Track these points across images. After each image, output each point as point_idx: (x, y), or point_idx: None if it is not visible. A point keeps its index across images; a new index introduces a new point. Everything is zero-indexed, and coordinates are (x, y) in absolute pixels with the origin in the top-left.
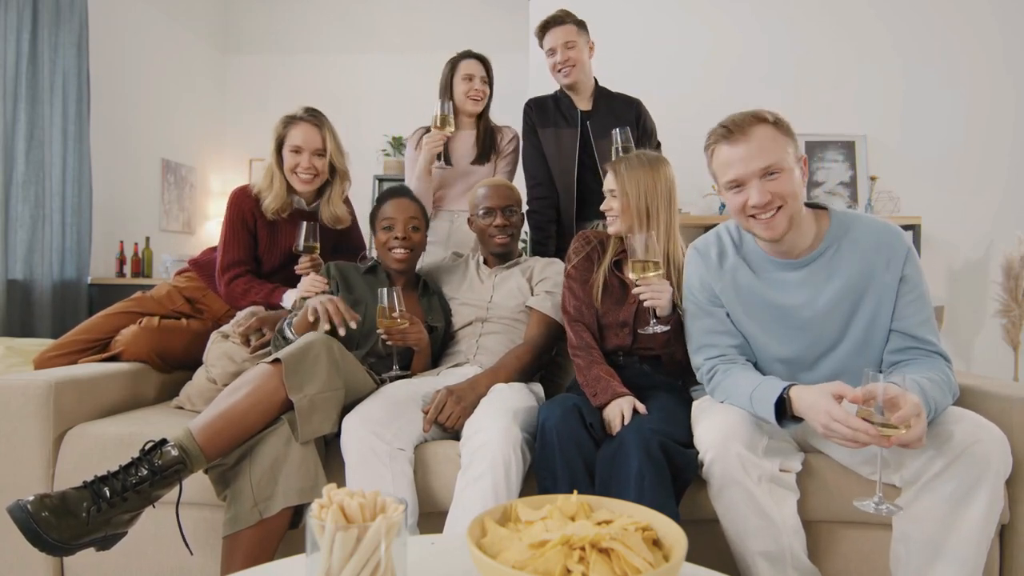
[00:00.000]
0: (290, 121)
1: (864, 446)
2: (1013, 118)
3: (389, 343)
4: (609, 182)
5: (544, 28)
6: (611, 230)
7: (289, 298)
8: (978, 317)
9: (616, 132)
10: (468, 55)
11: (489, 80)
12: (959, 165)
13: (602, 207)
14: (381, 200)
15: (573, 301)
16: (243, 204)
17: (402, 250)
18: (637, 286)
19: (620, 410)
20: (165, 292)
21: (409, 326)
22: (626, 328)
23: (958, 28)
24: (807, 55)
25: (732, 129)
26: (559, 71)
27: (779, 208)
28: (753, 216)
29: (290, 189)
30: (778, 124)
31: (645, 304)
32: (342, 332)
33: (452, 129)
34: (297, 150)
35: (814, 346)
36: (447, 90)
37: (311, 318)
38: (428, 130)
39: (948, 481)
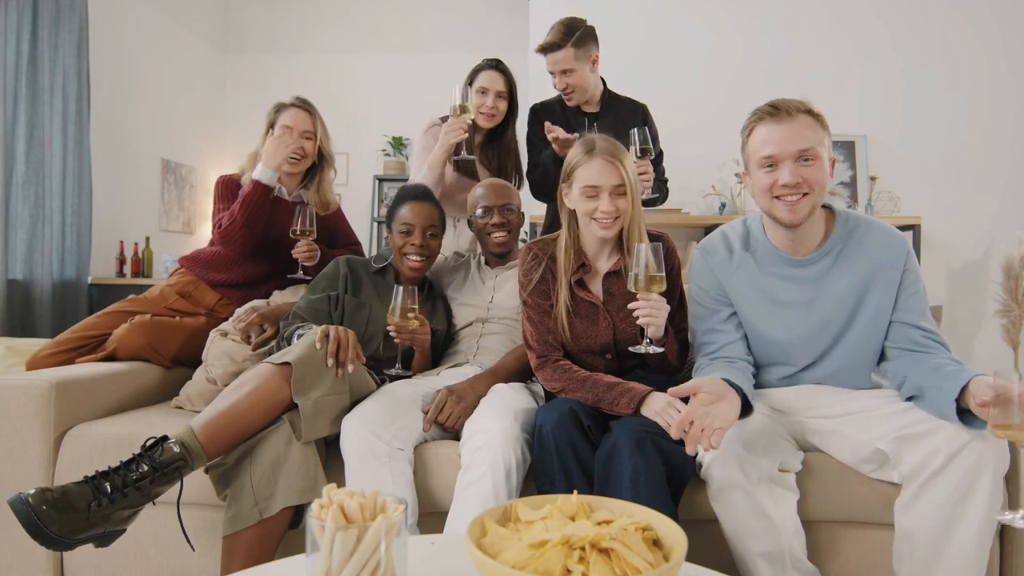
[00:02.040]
0: (281, 107)
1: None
2: (1013, 118)
3: (396, 341)
4: (609, 175)
5: (542, 52)
6: (609, 235)
7: (258, 171)
8: (978, 317)
9: (634, 132)
10: (487, 66)
11: (510, 93)
12: (959, 165)
13: (603, 208)
14: (400, 200)
15: (535, 333)
16: (229, 184)
17: (418, 258)
18: (636, 300)
19: (669, 404)
20: (158, 292)
21: (419, 327)
22: (609, 353)
23: (958, 28)
24: (807, 56)
25: (780, 108)
26: (560, 91)
27: (805, 195)
28: (778, 197)
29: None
30: (820, 118)
31: (640, 323)
32: (339, 373)
33: (471, 117)
34: (287, 131)
35: (818, 343)
36: (465, 98)
37: (319, 346)
38: (446, 119)
39: (947, 479)
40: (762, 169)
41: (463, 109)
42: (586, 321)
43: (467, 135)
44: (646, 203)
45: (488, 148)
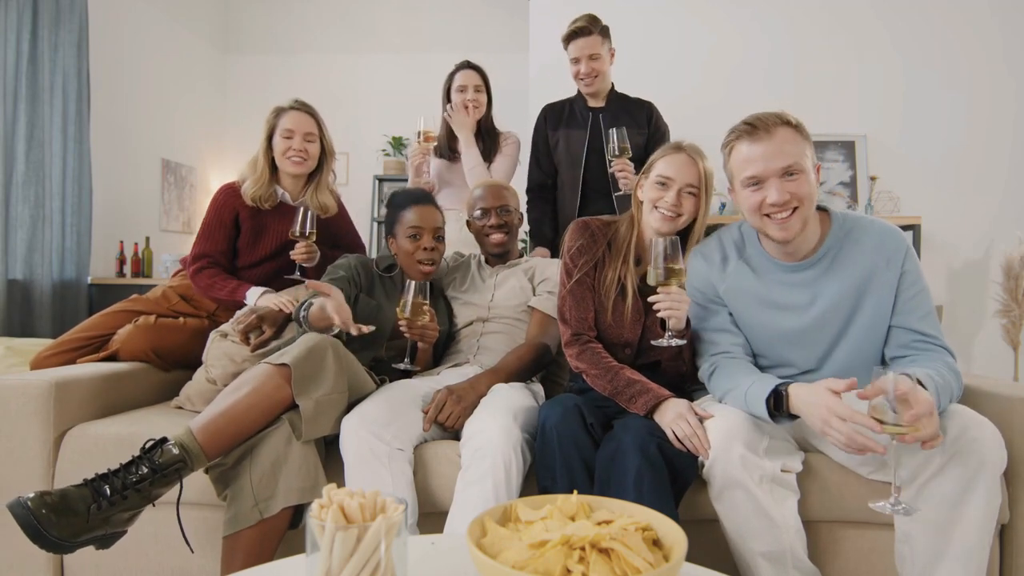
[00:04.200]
0: (281, 111)
1: (860, 449)
2: (1013, 118)
3: (407, 335)
4: (686, 172)
5: (570, 38)
6: (665, 228)
7: (253, 296)
8: (978, 317)
9: (612, 132)
10: (462, 66)
11: (486, 87)
12: (959, 165)
13: (668, 199)
14: (403, 205)
15: (575, 309)
16: (226, 200)
17: (431, 265)
18: (656, 294)
19: (681, 416)
20: (160, 293)
21: (430, 321)
22: (629, 349)
23: (958, 28)
24: (807, 55)
25: (757, 126)
26: (581, 79)
27: (795, 209)
28: (768, 216)
29: (272, 179)
30: (799, 128)
31: (660, 315)
32: (354, 332)
33: (433, 144)
34: (289, 135)
35: (816, 346)
36: (446, 100)
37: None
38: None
39: (945, 480)
40: (748, 188)
41: (426, 136)
42: (621, 308)
43: (428, 156)
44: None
45: (476, 140)
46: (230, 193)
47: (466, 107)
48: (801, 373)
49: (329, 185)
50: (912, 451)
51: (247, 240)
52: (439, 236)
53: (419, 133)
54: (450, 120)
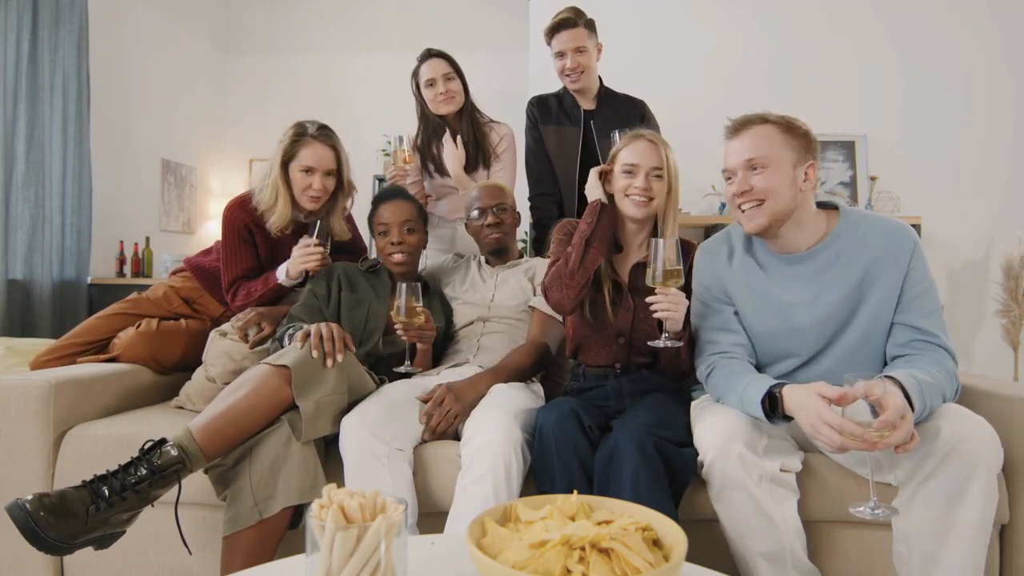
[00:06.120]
0: (299, 138)
1: (846, 451)
2: (1013, 118)
3: (404, 338)
4: (649, 156)
5: (554, 30)
6: (640, 214)
7: (282, 273)
8: (978, 317)
9: (616, 134)
10: (424, 57)
11: (457, 74)
12: (959, 165)
13: (637, 185)
14: (376, 203)
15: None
16: (238, 217)
17: (400, 255)
18: (655, 294)
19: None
20: (162, 293)
21: (425, 322)
22: (622, 339)
23: (958, 28)
24: (807, 55)
25: (735, 125)
26: (567, 75)
27: (761, 202)
28: (740, 208)
29: (294, 206)
30: (785, 126)
31: (658, 316)
32: (329, 364)
33: (410, 164)
34: (309, 170)
35: (816, 341)
36: (419, 98)
37: (300, 346)
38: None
39: (941, 480)
40: (727, 183)
41: (405, 159)
42: (608, 300)
43: (407, 172)
44: None
45: (462, 134)
46: (239, 209)
47: (439, 102)
48: (798, 367)
49: (345, 211)
50: (907, 453)
51: (264, 260)
52: (409, 228)
53: (395, 152)
54: (442, 154)
